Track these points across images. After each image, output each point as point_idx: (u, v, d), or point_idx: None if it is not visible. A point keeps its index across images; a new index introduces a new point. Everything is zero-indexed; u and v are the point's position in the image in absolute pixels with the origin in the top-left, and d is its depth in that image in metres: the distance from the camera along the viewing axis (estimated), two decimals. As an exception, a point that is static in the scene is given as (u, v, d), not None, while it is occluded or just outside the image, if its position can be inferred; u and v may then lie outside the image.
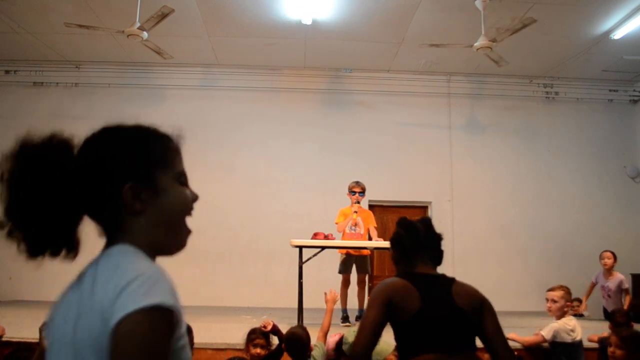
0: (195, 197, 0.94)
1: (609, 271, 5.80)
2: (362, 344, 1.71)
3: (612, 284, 5.73)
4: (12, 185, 0.80)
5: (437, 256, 1.97)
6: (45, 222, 0.80)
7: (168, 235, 0.89)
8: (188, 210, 0.92)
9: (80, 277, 0.82)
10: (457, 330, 1.73)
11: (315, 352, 2.86)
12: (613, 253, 5.86)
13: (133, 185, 0.84)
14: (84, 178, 0.83)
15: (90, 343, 0.74)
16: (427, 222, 2.02)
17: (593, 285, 6.01)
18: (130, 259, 0.80)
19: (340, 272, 5.19)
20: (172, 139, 0.94)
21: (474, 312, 1.78)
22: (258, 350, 2.92)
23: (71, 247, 0.84)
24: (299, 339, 2.80)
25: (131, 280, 0.74)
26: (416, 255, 1.93)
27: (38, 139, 0.83)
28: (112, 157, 0.85)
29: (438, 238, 2.00)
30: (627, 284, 5.74)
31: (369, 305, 1.81)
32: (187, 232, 0.92)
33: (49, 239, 0.81)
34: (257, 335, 2.99)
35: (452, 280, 1.92)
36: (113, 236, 0.86)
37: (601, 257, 5.93)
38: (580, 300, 6.30)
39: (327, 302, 3.31)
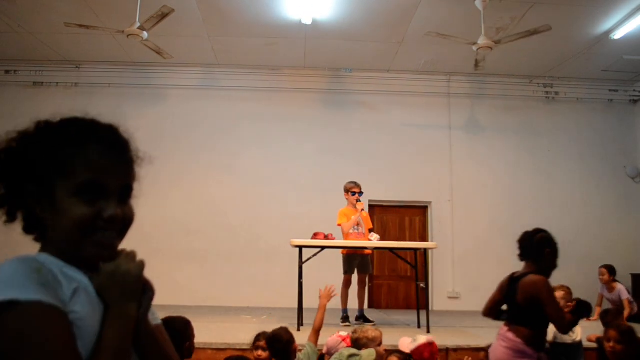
0: (92, 216, 0.81)
1: (608, 284, 5.90)
2: (485, 307, 2.90)
3: (615, 295, 5.84)
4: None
5: (537, 260, 2.73)
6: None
7: (69, 248, 0.82)
8: (77, 230, 0.80)
9: None
10: (512, 309, 2.70)
11: (303, 353, 2.78)
12: (607, 268, 5.97)
13: (33, 191, 0.82)
14: (21, 170, 0.83)
15: None
16: (524, 237, 2.80)
17: (601, 296, 6.07)
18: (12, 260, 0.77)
19: (346, 272, 5.17)
20: (91, 142, 0.84)
21: (522, 300, 2.57)
22: (260, 352, 2.92)
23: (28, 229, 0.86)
24: (280, 339, 2.73)
25: None
26: (523, 261, 2.79)
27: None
28: (20, 158, 0.83)
29: (537, 248, 2.76)
30: (627, 294, 5.79)
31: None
32: (91, 247, 0.82)
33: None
34: (259, 339, 2.98)
35: (522, 277, 2.67)
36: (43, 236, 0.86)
37: (599, 273, 6.04)
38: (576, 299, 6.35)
39: (322, 298, 3.13)
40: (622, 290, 5.81)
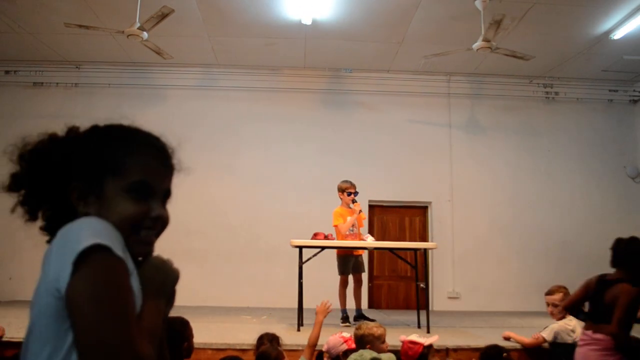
0: (142, 213, 0.86)
1: None
2: (568, 301, 3.19)
3: None
4: (26, 167, 0.89)
5: (629, 269, 2.83)
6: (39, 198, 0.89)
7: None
8: (127, 226, 0.84)
9: None
10: (600, 311, 2.81)
11: None
12: None
13: (78, 186, 0.86)
14: (50, 171, 0.87)
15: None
16: (618, 245, 2.88)
17: None
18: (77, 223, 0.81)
19: (343, 273, 5.15)
20: (144, 146, 0.90)
21: (609, 302, 2.74)
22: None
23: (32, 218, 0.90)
24: (268, 356, 2.64)
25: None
26: (614, 267, 2.91)
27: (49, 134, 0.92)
28: (71, 154, 0.88)
29: (631, 257, 2.85)
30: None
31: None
32: (136, 243, 0.86)
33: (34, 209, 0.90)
34: (262, 342, 2.96)
35: (614, 282, 2.80)
36: None
37: None
38: None
39: (318, 313, 3.02)
40: None
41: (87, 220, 0.80)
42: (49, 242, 0.89)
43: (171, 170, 0.96)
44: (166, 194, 0.94)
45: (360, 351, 2.64)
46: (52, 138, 0.91)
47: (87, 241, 0.74)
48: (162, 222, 0.90)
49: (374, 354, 2.58)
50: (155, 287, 0.88)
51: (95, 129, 0.93)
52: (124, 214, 0.85)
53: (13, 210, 0.88)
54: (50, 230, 0.89)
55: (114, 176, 0.86)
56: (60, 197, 0.87)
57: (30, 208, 0.89)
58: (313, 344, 2.90)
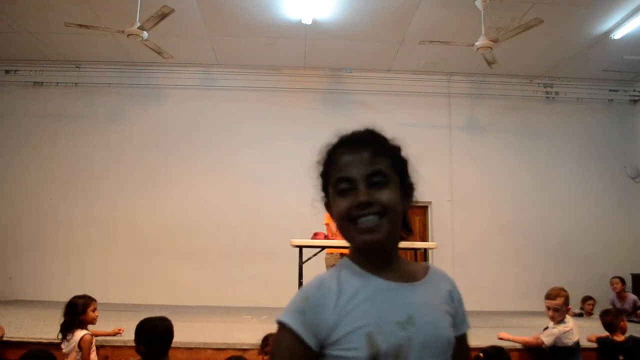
0: (350, 205, 0.95)
1: (619, 294, 5.99)
2: None
3: (627, 305, 5.91)
4: None
5: None
6: None
7: (348, 242, 0.99)
8: (344, 221, 0.96)
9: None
10: None
11: None
12: (620, 278, 6.16)
13: (323, 198, 1.05)
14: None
15: None
16: None
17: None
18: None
19: None
20: (335, 149, 1.01)
21: None
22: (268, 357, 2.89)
23: None
24: None
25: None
26: None
27: None
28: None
29: None
30: None
31: None
32: (357, 232, 0.95)
33: None
34: (267, 342, 2.96)
35: None
36: None
37: (610, 283, 6.27)
38: (592, 298, 6.39)
39: None
40: (636, 299, 6.00)
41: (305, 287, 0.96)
42: None
43: (368, 152, 0.98)
44: (373, 176, 0.96)
45: None
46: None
47: (281, 316, 0.92)
48: (379, 204, 0.94)
49: None
50: None
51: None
52: (339, 211, 0.96)
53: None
54: None
55: (328, 185, 1.00)
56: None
57: None
58: None
